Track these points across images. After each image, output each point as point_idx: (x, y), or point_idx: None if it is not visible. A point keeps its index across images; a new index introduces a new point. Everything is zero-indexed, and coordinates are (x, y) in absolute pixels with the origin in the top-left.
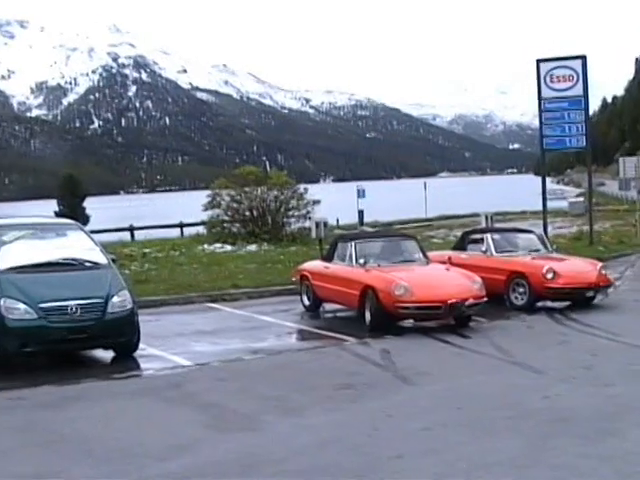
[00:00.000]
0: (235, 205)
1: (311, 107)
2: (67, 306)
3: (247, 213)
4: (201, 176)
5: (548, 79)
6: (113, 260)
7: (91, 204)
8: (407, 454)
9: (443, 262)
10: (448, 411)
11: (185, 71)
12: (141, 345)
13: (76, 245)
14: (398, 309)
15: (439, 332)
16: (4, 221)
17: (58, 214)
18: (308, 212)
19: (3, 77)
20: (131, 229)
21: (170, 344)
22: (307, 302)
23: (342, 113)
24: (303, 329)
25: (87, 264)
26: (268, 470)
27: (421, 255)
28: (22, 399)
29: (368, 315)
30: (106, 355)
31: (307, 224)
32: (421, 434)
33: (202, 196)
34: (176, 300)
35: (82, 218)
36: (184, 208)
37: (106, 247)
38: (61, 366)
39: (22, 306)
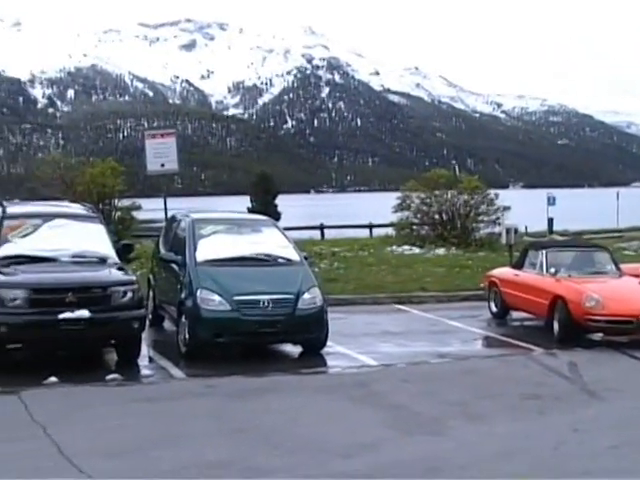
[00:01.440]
0: (425, 208)
1: (502, 112)
2: (260, 300)
3: (436, 216)
4: (390, 177)
5: None
6: (305, 258)
7: (282, 201)
8: (593, 472)
9: (636, 275)
10: (638, 430)
11: (377, 73)
12: (329, 342)
13: (270, 241)
14: (588, 321)
15: (630, 348)
16: (203, 215)
17: (251, 210)
18: (498, 218)
19: (203, 77)
20: (321, 227)
21: (357, 343)
22: (495, 309)
23: (534, 118)
24: (490, 336)
25: (280, 260)
26: (452, 474)
27: (613, 267)
28: (214, 387)
29: (557, 326)
30: (294, 350)
31: (496, 230)
32: (609, 452)
33: (391, 197)
34: (364, 300)
35: (274, 215)
36: (373, 209)
37: (297, 244)
38: (251, 358)
39: (217, 298)
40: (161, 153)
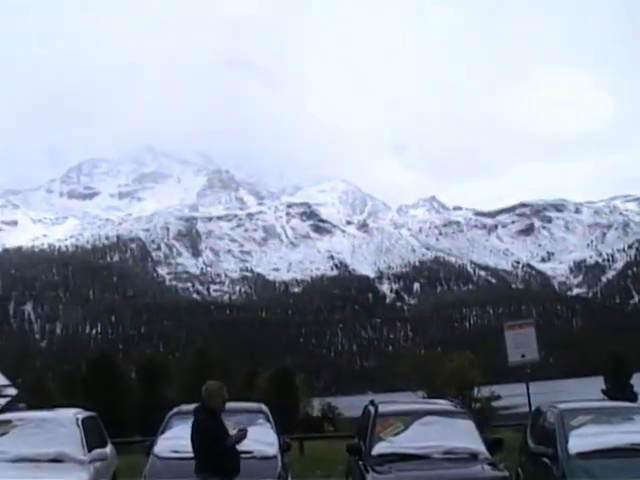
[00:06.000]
0: None
1: None
2: None
3: None
4: None
5: None
6: None
7: (638, 381)
8: None
9: None
10: None
11: None
12: None
13: None
14: None
15: None
16: (572, 405)
17: (605, 392)
18: None
19: (543, 259)
20: None
21: None
22: None
23: None
24: None
25: None
26: None
27: None
28: None
29: None
30: None
31: None
32: None
33: None
34: None
35: (630, 396)
36: None
37: None
38: None
39: None
40: (521, 343)
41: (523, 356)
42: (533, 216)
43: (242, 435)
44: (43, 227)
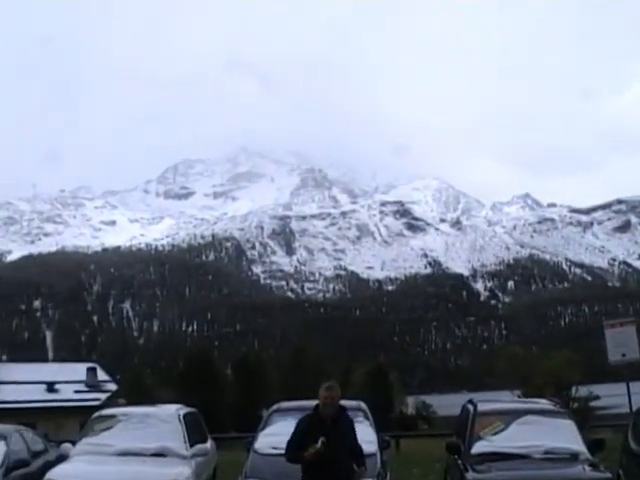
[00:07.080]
0: None
1: None
2: None
3: None
4: None
5: None
6: None
7: None
8: None
9: None
10: None
11: None
12: None
13: None
14: None
15: None
16: None
17: None
18: None
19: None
20: None
21: None
22: None
23: None
24: None
25: None
26: None
27: None
28: None
29: None
30: None
31: None
32: None
33: None
34: None
35: None
36: None
37: None
38: None
39: None
40: (621, 342)
41: (624, 355)
42: (629, 212)
43: (309, 454)
44: (140, 227)
